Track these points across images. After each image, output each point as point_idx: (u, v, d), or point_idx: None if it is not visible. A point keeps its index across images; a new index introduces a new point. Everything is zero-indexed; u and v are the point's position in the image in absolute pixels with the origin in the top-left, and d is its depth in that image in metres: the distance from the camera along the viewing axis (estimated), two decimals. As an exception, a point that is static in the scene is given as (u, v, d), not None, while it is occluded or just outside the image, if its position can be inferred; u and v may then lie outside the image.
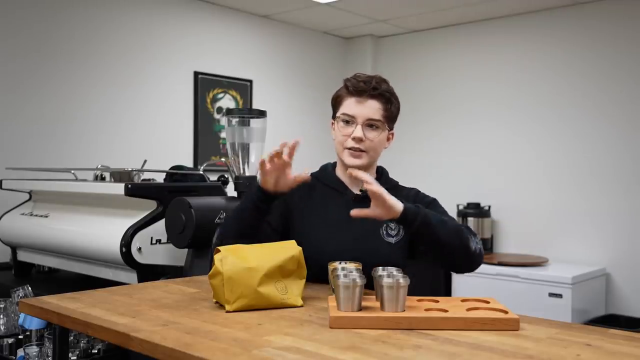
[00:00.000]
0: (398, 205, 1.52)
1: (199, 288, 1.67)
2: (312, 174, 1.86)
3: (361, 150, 1.71)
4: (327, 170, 1.84)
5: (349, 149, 1.72)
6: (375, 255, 1.61)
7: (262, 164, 1.56)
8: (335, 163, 1.86)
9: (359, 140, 1.70)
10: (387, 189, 1.77)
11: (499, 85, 4.60)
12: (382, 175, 1.84)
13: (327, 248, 1.66)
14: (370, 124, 1.71)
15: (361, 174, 1.53)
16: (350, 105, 1.72)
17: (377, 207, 1.52)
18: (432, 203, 1.78)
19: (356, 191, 1.78)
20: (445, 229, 1.56)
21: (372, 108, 1.71)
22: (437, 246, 1.58)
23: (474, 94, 4.72)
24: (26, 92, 3.45)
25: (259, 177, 1.62)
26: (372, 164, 1.79)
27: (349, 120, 1.72)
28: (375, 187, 1.50)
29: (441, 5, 4.35)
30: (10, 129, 3.38)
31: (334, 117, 1.80)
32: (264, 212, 1.63)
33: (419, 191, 1.85)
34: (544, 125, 4.37)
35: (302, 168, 1.91)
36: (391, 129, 1.79)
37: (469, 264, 1.63)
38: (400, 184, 1.87)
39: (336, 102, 1.78)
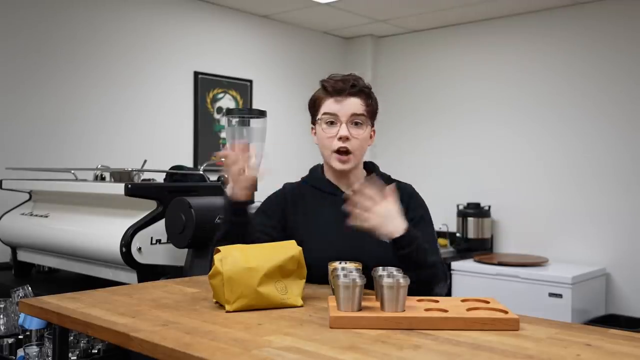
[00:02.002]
0: (396, 230, 1.54)
1: (199, 288, 1.67)
2: (302, 179, 1.87)
3: (348, 153, 1.71)
4: (317, 173, 1.85)
5: (336, 152, 1.71)
6: (371, 255, 1.60)
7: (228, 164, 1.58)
8: (323, 165, 1.85)
9: (345, 138, 1.69)
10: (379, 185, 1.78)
11: (499, 85, 4.60)
12: (372, 171, 1.83)
13: (324, 250, 1.65)
14: (354, 120, 1.71)
15: (366, 189, 1.54)
16: (330, 105, 1.72)
17: (371, 220, 1.54)
18: (423, 217, 1.77)
19: (348, 192, 1.77)
20: (423, 267, 1.57)
21: (353, 104, 1.71)
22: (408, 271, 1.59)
23: (474, 94, 4.72)
24: (26, 92, 3.45)
25: (229, 191, 1.62)
26: (358, 164, 1.79)
27: (333, 120, 1.71)
28: (381, 207, 1.53)
29: (441, 5, 4.35)
30: (10, 129, 3.38)
31: (313, 121, 1.79)
32: (243, 223, 1.63)
33: (415, 191, 1.84)
34: (544, 125, 4.37)
35: (301, 168, 1.92)
36: (372, 125, 1.79)
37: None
38: (392, 177, 1.87)
39: (315, 105, 1.77)
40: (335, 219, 1.71)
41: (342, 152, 1.71)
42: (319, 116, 1.75)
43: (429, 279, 1.58)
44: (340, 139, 1.70)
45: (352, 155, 1.72)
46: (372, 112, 1.76)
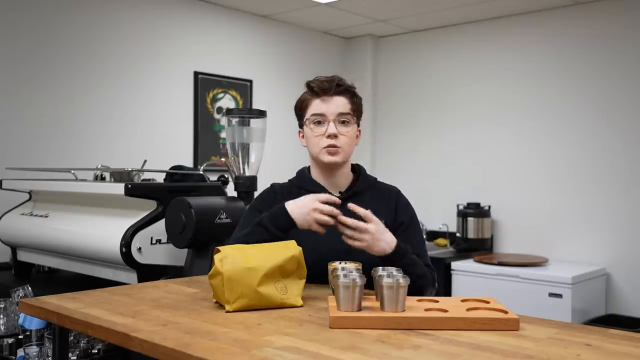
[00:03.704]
0: (389, 246, 1.57)
1: (199, 288, 1.67)
2: (289, 180, 1.88)
3: (337, 147, 1.73)
4: (304, 175, 1.86)
5: (326, 147, 1.73)
6: (362, 255, 1.60)
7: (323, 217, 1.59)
8: (309, 167, 1.87)
9: (334, 136, 1.73)
10: (365, 186, 1.79)
11: (499, 86, 4.60)
12: (359, 174, 1.84)
13: (314, 251, 1.63)
14: (341, 119, 1.74)
15: (357, 209, 1.57)
16: (318, 105, 1.75)
17: (365, 240, 1.56)
18: (413, 221, 1.80)
19: (336, 193, 1.78)
20: (413, 279, 1.55)
21: (340, 103, 1.75)
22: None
23: (474, 94, 4.72)
24: (26, 93, 3.45)
25: (297, 215, 1.61)
26: (347, 160, 1.81)
27: (320, 120, 1.74)
28: (373, 224, 1.55)
29: (441, 5, 4.35)
30: (11, 129, 3.38)
31: (301, 125, 1.82)
32: (279, 238, 1.62)
33: (401, 193, 1.85)
34: (543, 126, 4.37)
35: (300, 168, 1.92)
36: (358, 125, 1.82)
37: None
38: (378, 180, 1.88)
39: (302, 107, 1.80)
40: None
41: (331, 146, 1.74)
42: (306, 117, 1.77)
43: (417, 288, 1.59)
44: (329, 136, 1.73)
45: (341, 149, 1.74)
46: (357, 110, 1.80)
